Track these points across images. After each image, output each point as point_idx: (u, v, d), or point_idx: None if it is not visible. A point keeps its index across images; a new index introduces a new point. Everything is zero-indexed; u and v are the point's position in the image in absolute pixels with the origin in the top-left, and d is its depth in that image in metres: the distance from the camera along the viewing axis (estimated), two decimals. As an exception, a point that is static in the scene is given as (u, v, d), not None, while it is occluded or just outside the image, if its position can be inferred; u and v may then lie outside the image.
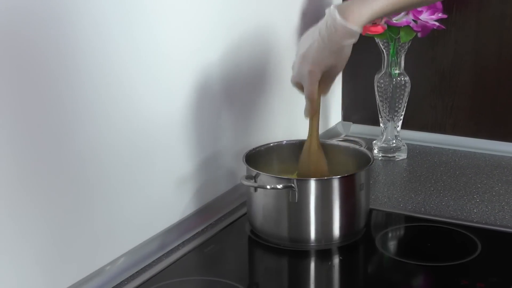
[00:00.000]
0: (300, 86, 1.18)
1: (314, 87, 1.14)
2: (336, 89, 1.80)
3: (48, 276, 0.99)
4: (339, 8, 1.08)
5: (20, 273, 0.95)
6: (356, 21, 1.08)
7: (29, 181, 0.94)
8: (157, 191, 1.19)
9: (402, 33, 1.52)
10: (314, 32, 1.12)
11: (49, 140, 0.96)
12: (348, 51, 1.11)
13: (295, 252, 1.19)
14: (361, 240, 1.23)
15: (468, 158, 1.63)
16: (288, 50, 1.48)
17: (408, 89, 1.60)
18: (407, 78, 1.59)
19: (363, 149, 1.30)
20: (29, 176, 0.94)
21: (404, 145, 1.65)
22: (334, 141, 1.38)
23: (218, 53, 1.29)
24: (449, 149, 1.68)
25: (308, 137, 1.22)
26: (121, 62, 1.07)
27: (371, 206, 1.28)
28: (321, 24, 1.11)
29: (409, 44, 1.57)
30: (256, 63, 1.43)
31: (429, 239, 1.24)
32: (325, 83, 1.16)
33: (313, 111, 1.18)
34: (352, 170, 1.24)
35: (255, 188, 1.18)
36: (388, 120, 1.63)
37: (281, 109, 1.54)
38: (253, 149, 1.29)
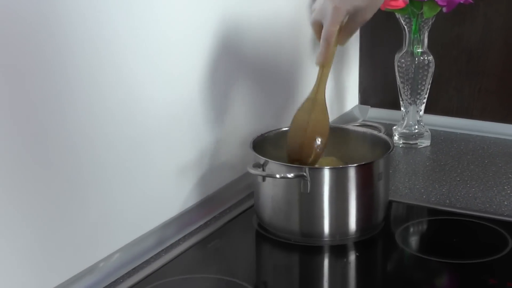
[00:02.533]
0: (318, 28, 1.16)
1: (335, 28, 1.12)
2: (352, 69, 1.81)
3: (37, 273, 0.99)
4: None
5: (7, 270, 0.95)
6: None
7: (17, 172, 0.94)
8: (156, 181, 1.19)
9: (425, 8, 1.52)
10: None
11: (38, 129, 0.96)
12: None
13: (307, 248, 1.19)
14: (379, 234, 1.23)
15: (497, 145, 1.63)
16: (297, 31, 1.48)
17: (431, 70, 1.60)
18: (430, 58, 1.59)
19: (382, 135, 1.30)
20: (17, 167, 0.94)
21: (427, 131, 1.65)
22: (350, 126, 1.38)
23: (223, 36, 1.29)
24: (477, 136, 1.69)
25: (314, 86, 1.20)
26: (119, 47, 1.07)
27: (390, 198, 1.28)
28: None
29: (433, 20, 1.56)
30: (265, 45, 1.43)
31: (455, 234, 1.24)
32: (346, 30, 1.14)
33: (327, 57, 1.17)
34: (370, 158, 1.24)
35: (263, 177, 1.19)
36: (410, 104, 1.63)
37: (291, 93, 1.54)
38: (261, 134, 1.29)
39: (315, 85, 1.21)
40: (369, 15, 1.12)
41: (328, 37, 1.13)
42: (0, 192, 0.92)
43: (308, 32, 1.48)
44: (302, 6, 1.53)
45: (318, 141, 1.20)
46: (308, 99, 1.22)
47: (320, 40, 1.16)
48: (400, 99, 1.65)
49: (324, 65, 1.19)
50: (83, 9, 1.00)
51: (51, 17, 0.96)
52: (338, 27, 1.13)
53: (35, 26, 0.93)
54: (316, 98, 1.21)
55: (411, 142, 1.63)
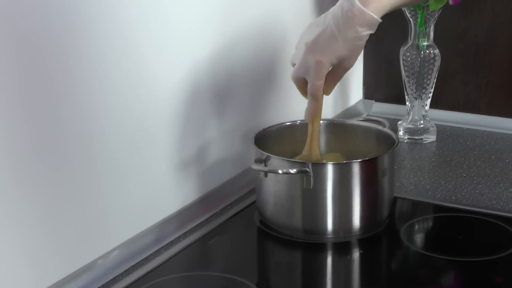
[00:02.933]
0: (302, 83, 1.15)
1: (320, 82, 1.10)
2: (356, 63, 1.79)
3: (35, 270, 0.99)
4: None
5: (4, 267, 0.94)
6: (377, 8, 1.06)
7: (13, 169, 0.93)
8: (155, 176, 1.18)
9: (431, 0, 1.51)
10: (325, 19, 1.10)
11: (35, 124, 0.96)
12: (363, 43, 1.09)
13: (309, 245, 1.18)
14: (384, 232, 1.22)
15: (505, 141, 1.62)
16: (299, 23, 1.47)
17: (437, 64, 1.59)
18: (436, 51, 1.59)
19: (386, 130, 1.29)
20: (13, 163, 0.93)
21: (433, 126, 1.64)
22: (354, 121, 1.38)
23: (226, 30, 1.29)
24: (484, 131, 1.68)
25: (307, 144, 1.20)
26: (130, 30, 1.08)
27: (395, 194, 1.28)
28: (335, 9, 1.08)
29: (439, 13, 1.56)
30: (269, 39, 1.42)
31: (461, 231, 1.24)
32: (330, 80, 1.12)
33: (316, 112, 1.15)
34: (375, 154, 1.23)
35: (266, 173, 1.18)
36: (415, 98, 1.63)
37: (295, 87, 1.53)
38: (264, 129, 1.28)
39: (307, 142, 1.20)
40: (353, 61, 1.10)
41: (314, 93, 1.12)
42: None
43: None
44: (306, 0, 1.53)
45: None
46: (302, 157, 1.20)
47: (305, 96, 1.15)
48: (405, 93, 1.64)
49: (314, 119, 1.18)
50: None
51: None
52: (323, 80, 1.11)
53: (44, 9, 0.93)
54: (311, 157, 1.19)
55: (416, 137, 1.63)
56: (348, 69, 1.12)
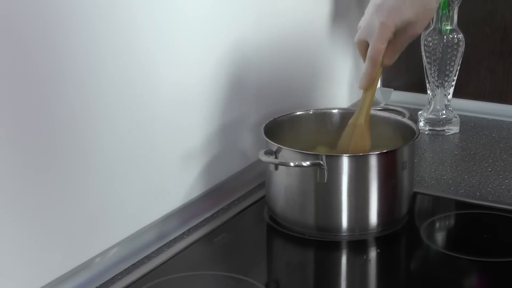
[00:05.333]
0: (363, 47, 1.16)
1: (382, 45, 1.12)
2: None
3: (29, 269, 0.99)
4: None
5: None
6: None
7: (6, 160, 0.93)
8: (158, 168, 1.19)
9: (455, -19, 1.51)
10: None
11: (31, 114, 0.96)
12: (432, 8, 1.09)
13: (323, 243, 1.18)
14: (402, 229, 1.22)
15: (533, 133, 1.63)
16: (315, 8, 1.48)
17: (461, 49, 1.59)
18: (460, 36, 1.58)
19: (406, 120, 1.29)
20: (8, 155, 0.93)
21: (455, 117, 1.64)
22: (371, 111, 1.37)
23: (235, 20, 1.30)
24: (511, 122, 1.68)
25: (356, 111, 1.22)
26: (132, 21, 1.08)
27: (415, 189, 1.28)
28: None
29: (464, -6, 1.55)
30: (279, 28, 1.43)
31: (485, 230, 1.23)
32: (393, 47, 1.14)
33: (372, 79, 1.17)
34: (393, 146, 1.23)
35: (276, 166, 1.18)
36: (437, 87, 1.62)
37: (309, 73, 1.54)
38: (274, 119, 1.28)
39: (357, 109, 1.22)
40: (419, 29, 1.12)
41: (374, 56, 1.13)
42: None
43: (324, 15, 1.48)
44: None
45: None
46: (349, 125, 1.23)
47: (364, 61, 1.16)
48: (427, 81, 1.64)
49: (368, 89, 1.19)
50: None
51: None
52: (385, 44, 1.12)
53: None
54: (356, 123, 1.22)
55: (438, 128, 1.63)
56: (414, 37, 1.13)
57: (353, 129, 1.23)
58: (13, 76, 0.93)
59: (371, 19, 1.12)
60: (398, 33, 1.12)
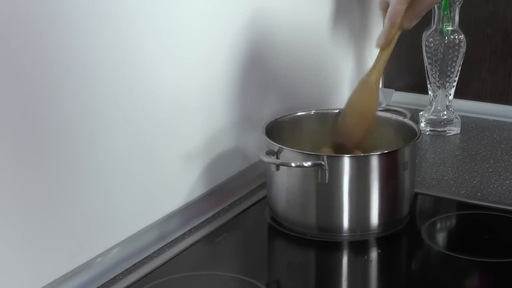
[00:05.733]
0: (385, 6, 1.17)
1: (402, 5, 1.13)
2: (375, 48, 1.79)
3: (28, 269, 0.99)
4: None
5: (-2, 264, 0.95)
6: None
7: (7, 160, 0.93)
8: (159, 168, 1.18)
9: (456, -19, 1.51)
10: None
11: (28, 113, 0.96)
12: None
13: (324, 244, 1.18)
14: (404, 230, 1.22)
15: (534, 134, 1.62)
16: (317, 8, 1.47)
17: (463, 50, 1.59)
18: (462, 37, 1.58)
19: (407, 121, 1.29)
20: (6, 155, 0.93)
21: (457, 118, 1.64)
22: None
23: (236, 18, 1.30)
24: (512, 123, 1.68)
25: (371, 67, 1.23)
26: (131, 23, 1.08)
27: (416, 190, 1.28)
28: None
29: (465, -5, 1.55)
30: (280, 23, 1.43)
31: (486, 230, 1.23)
32: (413, 11, 1.15)
33: (389, 39, 1.18)
34: (394, 146, 1.23)
35: (277, 166, 1.18)
36: (438, 87, 1.62)
37: (310, 73, 1.54)
38: (276, 119, 1.28)
39: (371, 67, 1.23)
40: None
41: (393, 16, 1.14)
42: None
43: (325, 16, 1.48)
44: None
45: (360, 124, 1.23)
46: (360, 82, 1.24)
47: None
48: (428, 82, 1.64)
49: (384, 48, 1.20)
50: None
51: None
52: (405, 5, 1.13)
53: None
54: (368, 80, 1.22)
55: (439, 129, 1.63)
56: (434, 3, 1.14)
57: (364, 86, 1.24)
58: (6, 79, 0.93)
59: None
60: None
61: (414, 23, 1.18)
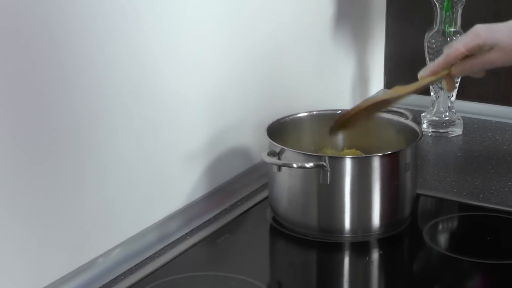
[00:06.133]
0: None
1: (462, 48, 1.14)
2: (377, 49, 1.80)
3: (30, 269, 0.99)
4: None
5: (0, 264, 0.95)
6: None
7: (9, 160, 0.94)
8: (160, 169, 1.19)
9: (459, -17, 1.51)
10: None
11: (31, 115, 0.96)
12: None
13: (325, 245, 1.18)
14: (405, 231, 1.23)
15: (537, 135, 1.62)
16: (319, 9, 1.47)
17: (465, 51, 1.58)
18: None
19: (409, 122, 1.29)
20: (8, 154, 0.93)
21: (459, 119, 1.64)
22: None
23: (239, 19, 1.30)
24: (514, 124, 1.68)
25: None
26: (137, 24, 1.09)
27: (418, 191, 1.28)
28: None
29: (468, -4, 1.55)
30: (284, 20, 1.43)
31: (488, 232, 1.23)
32: (469, 61, 1.15)
33: (431, 71, 1.18)
34: (396, 147, 1.23)
35: (279, 167, 1.18)
36: (441, 89, 1.62)
37: (312, 74, 1.54)
38: (278, 120, 1.28)
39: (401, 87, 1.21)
40: (496, 59, 1.13)
41: (451, 55, 1.15)
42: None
43: (327, 17, 1.49)
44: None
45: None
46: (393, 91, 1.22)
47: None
48: (430, 83, 1.63)
49: (424, 79, 1.19)
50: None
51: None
52: (465, 50, 1.14)
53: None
54: (392, 93, 1.20)
55: (441, 130, 1.63)
56: (488, 64, 1.14)
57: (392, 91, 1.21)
58: (16, 78, 0.94)
59: (470, 30, 1.15)
60: (479, 53, 1.14)
61: (462, 74, 1.19)
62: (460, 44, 1.15)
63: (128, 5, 1.07)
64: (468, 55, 1.15)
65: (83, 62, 1.02)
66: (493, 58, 1.14)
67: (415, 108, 1.66)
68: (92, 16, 1.02)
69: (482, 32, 1.14)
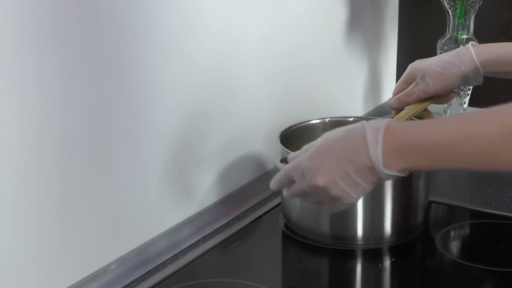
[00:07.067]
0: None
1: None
2: (390, 56, 1.80)
3: (44, 275, 1.00)
4: None
5: (14, 271, 0.95)
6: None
7: (23, 167, 0.94)
8: (173, 176, 1.19)
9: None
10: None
11: (44, 120, 0.96)
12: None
13: (338, 252, 1.19)
14: (418, 238, 1.23)
15: (549, 142, 1.60)
16: (331, 16, 1.47)
17: (477, 58, 1.58)
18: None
19: (422, 129, 1.28)
20: (24, 161, 0.94)
21: (471, 126, 1.62)
22: (387, 119, 1.37)
23: (249, 23, 1.30)
24: (527, 131, 1.66)
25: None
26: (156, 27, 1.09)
27: (430, 198, 1.28)
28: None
29: (480, 3, 1.55)
30: (295, 31, 1.43)
31: (501, 239, 1.23)
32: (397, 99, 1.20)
33: (400, 101, 1.20)
34: (409, 154, 1.23)
35: (291, 174, 1.18)
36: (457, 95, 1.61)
37: (325, 81, 1.54)
38: (290, 127, 1.28)
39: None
40: (435, 88, 1.17)
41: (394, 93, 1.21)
42: (6, 189, 0.92)
43: (339, 24, 1.49)
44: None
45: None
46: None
47: None
48: (443, 90, 1.63)
49: (422, 103, 1.20)
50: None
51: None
52: (399, 83, 1.19)
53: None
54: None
55: (453, 137, 1.62)
56: (424, 94, 1.17)
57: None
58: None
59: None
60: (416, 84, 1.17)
61: (402, 105, 1.20)
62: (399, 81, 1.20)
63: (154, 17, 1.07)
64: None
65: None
66: (425, 85, 1.16)
67: (428, 115, 1.66)
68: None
69: (414, 63, 1.18)
